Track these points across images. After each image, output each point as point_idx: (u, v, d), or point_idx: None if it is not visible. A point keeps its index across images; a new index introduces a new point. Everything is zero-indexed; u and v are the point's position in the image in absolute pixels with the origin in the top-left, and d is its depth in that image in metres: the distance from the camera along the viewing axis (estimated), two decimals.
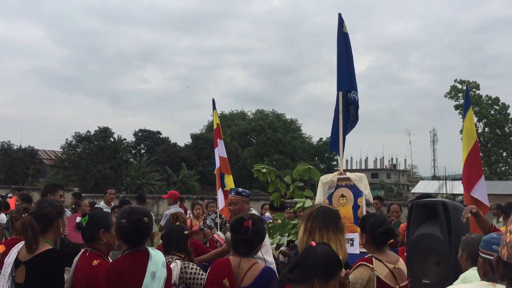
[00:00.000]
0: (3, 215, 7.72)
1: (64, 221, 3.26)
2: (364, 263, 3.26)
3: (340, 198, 5.19)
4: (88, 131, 33.58)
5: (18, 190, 13.00)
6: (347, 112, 5.43)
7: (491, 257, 2.21)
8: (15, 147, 37.17)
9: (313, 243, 2.52)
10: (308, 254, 2.43)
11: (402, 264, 3.38)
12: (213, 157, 6.88)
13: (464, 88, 43.59)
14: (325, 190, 5.25)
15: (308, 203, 5.43)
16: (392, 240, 6.16)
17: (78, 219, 3.32)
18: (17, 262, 3.01)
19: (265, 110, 56.29)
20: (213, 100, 7.19)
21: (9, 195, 13.59)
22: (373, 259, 3.28)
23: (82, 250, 3.32)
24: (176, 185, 33.69)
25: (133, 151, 41.30)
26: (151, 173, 34.51)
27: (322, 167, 49.53)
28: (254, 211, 4.96)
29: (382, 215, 4.05)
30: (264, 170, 5.81)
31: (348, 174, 5.21)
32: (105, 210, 7.79)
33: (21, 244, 3.15)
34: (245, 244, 3.11)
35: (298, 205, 5.53)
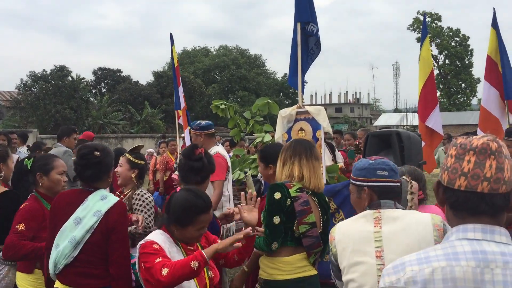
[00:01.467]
0: None
1: (7, 165, 3.24)
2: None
3: (299, 131, 5.19)
4: (44, 70, 32.21)
5: None
6: (306, 44, 5.30)
7: (379, 183, 2.23)
8: None
9: (178, 189, 2.62)
10: (170, 199, 2.54)
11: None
12: (174, 91, 6.68)
13: (427, 20, 43.75)
14: (284, 124, 5.23)
15: (268, 137, 5.43)
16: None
17: (25, 161, 3.32)
18: None
19: (229, 46, 55.13)
20: (171, 35, 6.87)
21: None
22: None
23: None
24: (140, 124, 33.23)
25: (93, 91, 40.11)
26: (113, 112, 33.79)
27: (287, 103, 49.63)
28: (219, 147, 4.88)
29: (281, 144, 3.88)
30: (223, 106, 5.73)
31: (307, 108, 5.19)
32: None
33: None
34: (198, 172, 3.14)
35: (257, 140, 5.52)
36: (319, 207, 3.00)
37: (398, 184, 2.27)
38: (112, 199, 2.80)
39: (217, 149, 4.75)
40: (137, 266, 2.40)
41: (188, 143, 6.96)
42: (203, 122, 4.79)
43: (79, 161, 2.86)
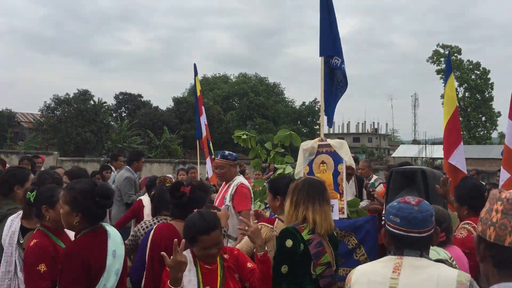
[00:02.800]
0: None
1: (55, 210, 3.08)
2: (264, 223, 3.38)
3: (321, 164, 5.18)
4: (67, 94, 32.98)
5: None
6: (332, 77, 5.32)
7: (389, 227, 2.13)
8: None
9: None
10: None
11: None
12: (196, 120, 6.75)
13: (447, 52, 43.67)
14: (306, 157, 5.22)
15: (289, 169, 5.43)
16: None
17: (28, 194, 3.11)
18: (23, 229, 3.17)
19: (248, 74, 55.79)
20: (195, 65, 7.00)
21: None
22: (277, 220, 3.43)
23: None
24: (158, 148, 33.52)
25: (114, 115, 40.77)
26: (133, 136, 34.21)
27: (305, 131, 49.70)
28: (241, 177, 4.91)
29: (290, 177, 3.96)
30: (245, 137, 5.77)
31: (329, 141, 5.18)
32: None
33: (20, 212, 3.26)
34: (180, 207, 3.13)
35: (278, 171, 5.51)
36: (330, 245, 3.02)
37: (417, 235, 2.08)
38: (108, 225, 2.92)
39: (241, 180, 4.77)
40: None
41: (210, 172, 6.99)
42: (226, 152, 4.83)
43: (98, 200, 2.77)
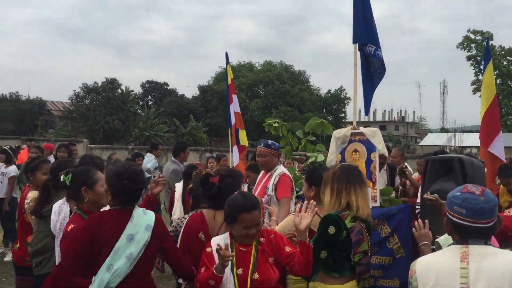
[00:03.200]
0: (14, 167, 7.82)
1: (94, 191, 3.11)
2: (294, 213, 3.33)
3: (353, 153, 5.14)
4: (95, 82, 33.53)
5: (29, 140, 13.06)
6: (368, 65, 5.25)
7: (453, 218, 2.12)
8: (23, 98, 37.16)
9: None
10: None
11: None
12: (221, 108, 6.79)
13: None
14: (338, 145, 5.19)
15: (320, 157, 5.40)
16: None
17: (62, 177, 3.15)
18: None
19: (273, 61, 55.53)
20: (227, 54, 7.00)
21: (23, 146, 13.72)
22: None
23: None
24: (184, 136, 33.82)
25: (140, 103, 41.25)
26: (159, 124, 34.60)
27: (330, 119, 49.30)
28: (282, 167, 4.91)
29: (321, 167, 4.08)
30: (276, 125, 5.76)
31: (362, 129, 5.13)
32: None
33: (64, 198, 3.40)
34: (211, 198, 3.14)
35: (310, 160, 5.50)
36: (367, 234, 3.09)
37: (484, 225, 2.08)
38: (149, 212, 2.92)
39: (282, 169, 4.79)
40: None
41: (236, 160, 7.01)
42: (269, 141, 4.82)
43: (127, 184, 2.81)
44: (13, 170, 7.67)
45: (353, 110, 5.43)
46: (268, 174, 4.74)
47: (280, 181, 4.62)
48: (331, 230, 2.86)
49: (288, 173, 4.84)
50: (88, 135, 31.17)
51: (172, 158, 6.94)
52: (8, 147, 8.25)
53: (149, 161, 8.24)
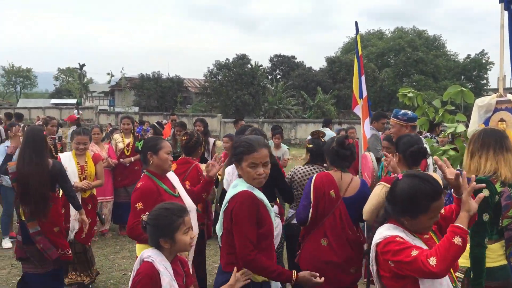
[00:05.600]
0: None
1: (159, 156, 3.52)
2: (382, 182, 3.32)
3: (499, 122, 4.73)
4: (227, 59, 35.00)
5: (172, 115, 14.26)
6: None
7: None
8: (164, 77, 40.31)
9: (399, 176, 2.37)
10: (392, 189, 2.33)
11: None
12: (349, 80, 6.68)
13: None
14: (481, 114, 4.81)
15: (461, 128, 5.07)
16: None
17: (136, 143, 3.72)
18: None
19: (405, 28, 52.49)
20: (356, 23, 6.79)
21: (164, 121, 15.00)
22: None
23: None
24: (312, 109, 33.94)
25: (269, 77, 42.17)
26: (288, 98, 35.12)
27: (470, 86, 45.39)
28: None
29: (417, 136, 3.77)
30: (411, 94, 5.53)
31: (509, 96, 4.70)
32: None
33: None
34: (347, 159, 3.55)
35: (449, 130, 5.20)
36: None
37: None
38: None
39: None
40: (373, 262, 2.32)
41: (367, 133, 6.87)
42: (409, 112, 4.71)
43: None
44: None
45: (499, 75, 4.97)
46: None
47: None
48: (486, 193, 2.79)
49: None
50: (221, 109, 32.89)
51: (370, 126, 7.22)
52: (157, 121, 9.13)
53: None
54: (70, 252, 4.44)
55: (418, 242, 2.23)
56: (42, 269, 4.20)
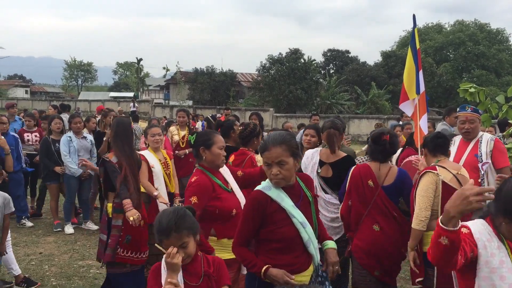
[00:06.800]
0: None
1: (211, 151, 3.44)
2: (429, 170, 3.54)
3: None
4: (280, 53, 34.97)
5: (226, 109, 14.46)
6: None
7: None
8: (217, 71, 40.85)
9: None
10: (502, 188, 2.07)
11: (465, 172, 3.60)
12: (416, 75, 6.38)
13: None
14: None
15: None
16: None
17: (189, 137, 3.64)
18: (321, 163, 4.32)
19: (466, 21, 50.33)
20: (414, 16, 6.57)
21: (218, 115, 15.25)
22: (437, 167, 3.57)
23: None
24: (365, 105, 33.30)
25: (322, 72, 41.76)
26: (340, 93, 34.63)
27: None
28: (487, 134, 4.58)
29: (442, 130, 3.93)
30: (472, 90, 5.31)
31: None
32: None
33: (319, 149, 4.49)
34: (382, 153, 3.74)
35: None
36: None
37: None
38: None
39: (490, 134, 4.51)
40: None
41: (425, 129, 6.66)
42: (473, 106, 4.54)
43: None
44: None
45: None
46: (474, 141, 4.38)
47: (496, 147, 4.27)
48: None
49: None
50: (274, 104, 32.91)
51: (444, 121, 7.54)
52: (211, 115, 9.29)
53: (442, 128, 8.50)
54: (143, 256, 4.13)
55: (496, 246, 2.05)
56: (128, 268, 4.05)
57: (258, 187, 2.69)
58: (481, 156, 4.25)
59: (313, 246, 2.68)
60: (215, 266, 2.49)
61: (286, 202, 2.62)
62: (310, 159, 4.38)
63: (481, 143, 4.32)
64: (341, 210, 3.90)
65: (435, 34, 48.41)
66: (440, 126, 7.45)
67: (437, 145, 3.72)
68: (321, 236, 2.87)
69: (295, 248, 2.63)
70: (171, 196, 5.28)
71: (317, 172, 4.29)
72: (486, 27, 48.19)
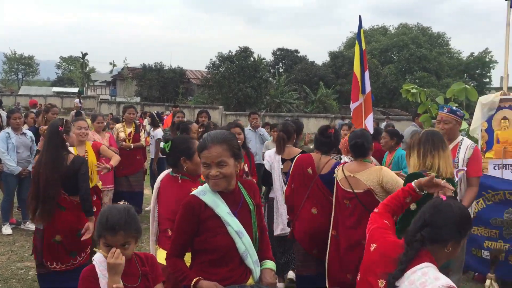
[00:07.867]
0: (160, 130, 8.64)
1: (193, 161, 3.21)
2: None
3: (502, 120, 4.74)
4: (229, 51, 34.86)
5: (175, 107, 14.25)
6: None
7: None
8: (166, 68, 40.20)
9: (443, 197, 2.21)
10: (442, 212, 2.08)
11: (365, 175, 3.68)
12: (352, 75, 6.54)
13: None
14: (484, 112, 4.83)
15: (464, 125, 5.08)
16: None
17: (161, 144, 3.25)
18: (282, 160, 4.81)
19: (409, 24, 52.26)
20: (360, 17, 6.75)
21: (166, 112, 15.02)
22: (341, 166, 3.94)
23: (166, 173, 3.28)
24: (314, 104, 33.88)
25: (272, 70, 42.06)
26: (290, 92, 35.04)
27: (472, 85, 45.17)
28: (466, 138, 4.44)
29: (361, 131, 4.15)
30: (414, 91, 5.53)
31: None
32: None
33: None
34: (326, 144, 4.19)
35: None
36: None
37: None
38: None
39: (469, 140, 4.28)
40: None
41: (370, 128, 6.85)
42: (454, 107, 4.29)
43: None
44: (158, 133, 8.47)
45: (503, 73, 4.97)
46: (453, 145, 4.11)
47: (474, 156, 4.08)
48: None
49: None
50: (223, 102, 32.82)
51: (413, 122, 8.04)
52: (155, 112, 9.11)
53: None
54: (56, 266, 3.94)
55: None
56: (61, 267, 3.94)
57: (193, 192, 2.46)
58: (458, 162, 4.07)
59: (251, 259, 2.43)
60: (149, 264, 2.40)
61: (221, 208, 2.38)
62: (273, 157, 4.91)
63: (459, 148, 4.13)
64: (285, 191, 4.39)
65: (380, 36, 49.93)
66: (410, 127, 8.02)
67: (352, 149, 3.86)
68: (263, 252, 2.59)
69: (230, 260, 2.38)
70: (92, 190, 5.06)
71: (280, 169, 4.77)
72: (428, 31, 50.20)
